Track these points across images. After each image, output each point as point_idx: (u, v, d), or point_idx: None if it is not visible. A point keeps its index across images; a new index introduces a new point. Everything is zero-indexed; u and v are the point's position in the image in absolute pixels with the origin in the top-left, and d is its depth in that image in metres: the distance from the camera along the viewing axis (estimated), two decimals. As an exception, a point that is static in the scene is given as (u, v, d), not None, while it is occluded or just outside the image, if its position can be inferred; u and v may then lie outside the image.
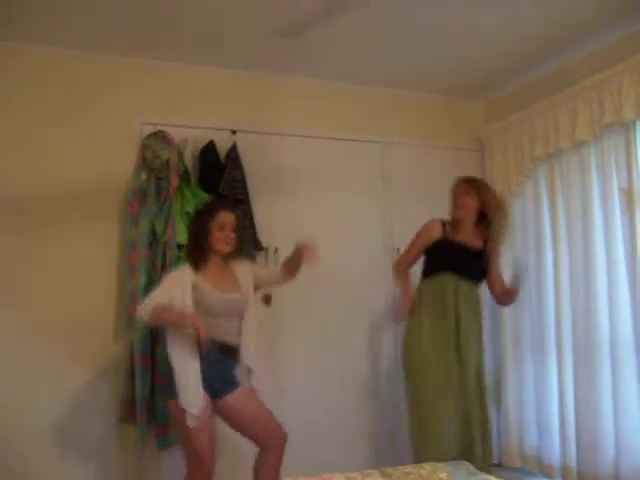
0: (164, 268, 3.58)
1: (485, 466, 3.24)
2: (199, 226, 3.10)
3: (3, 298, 3.50)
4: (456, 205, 3.58)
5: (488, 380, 3.54)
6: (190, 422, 2.84)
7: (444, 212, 4.49)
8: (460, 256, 3.53)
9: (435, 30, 3.67)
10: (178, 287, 2.94)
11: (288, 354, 4.07)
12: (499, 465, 4.36)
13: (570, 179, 3.97)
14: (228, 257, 3.16)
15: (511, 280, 3.55)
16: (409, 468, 2.51)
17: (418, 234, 3.64)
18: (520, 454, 4.28)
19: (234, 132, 4.01)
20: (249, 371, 3.12)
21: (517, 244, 4.42)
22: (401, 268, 3.68)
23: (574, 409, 3.82)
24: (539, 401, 4.18)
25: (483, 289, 3.64)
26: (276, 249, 4.02)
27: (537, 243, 4.24)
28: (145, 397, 3.51)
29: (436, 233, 3.58)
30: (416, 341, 3.48)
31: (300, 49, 3.88)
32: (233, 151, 3.94)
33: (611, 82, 3.60)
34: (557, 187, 4.08)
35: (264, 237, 3.95)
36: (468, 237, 3.55)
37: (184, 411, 2.85)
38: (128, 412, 3.56)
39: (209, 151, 3.90)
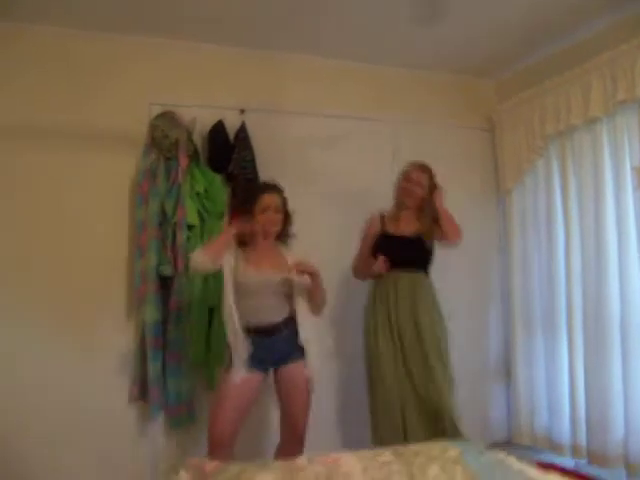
0: (174, 248, 3.59)
1: (496, 444, 3.26)
2: (243, 209, 3.17)
3: (15, 276, 3.52)
4: (408, 194, 3.61)
5: (443, 363, 3.48)
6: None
7: (454, 190, 4.50)
8: (397, 249, 3.56)
9: (446, 9, 3.60)
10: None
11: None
12: (509, 443, 4.39)
13: (582, 157, 3.93)
14: (279, 239, 3.22)
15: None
16: (419, 447, 2.52)
17: (362, 232, 3.74)
18: (530, 432, 4.30)
19: (243, 111, 3.98)
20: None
21: (528, 224, 4.40)
22: (360, 271, 3.73)
23: (584, 388, 3.82)
24: (549, 380, 4.18)
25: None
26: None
27: (548, 222, 4.21)
28: (157, 377, 3.54)
29: (375, 228, 3.67)
30: (368, 338, 3.58)
31: (310, 28, 3.84)
32: (242, 130, 3.92)
33: (624, 59, 3.55)
34: (569, 165, 4.04)
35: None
36: (406, 225, 3.61)
37: (227, 378, 3.00)
38: (140, 392, 3.59)
39: (218, 131, 3.89)
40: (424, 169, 3.63)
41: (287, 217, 3.25)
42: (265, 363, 3.09)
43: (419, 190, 3.59)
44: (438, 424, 3.34)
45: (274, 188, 3.23)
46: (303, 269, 3.07)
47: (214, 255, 3.00)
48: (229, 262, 3.06)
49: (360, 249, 3.73)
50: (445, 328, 3.57)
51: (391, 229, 3.63)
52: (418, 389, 3.40)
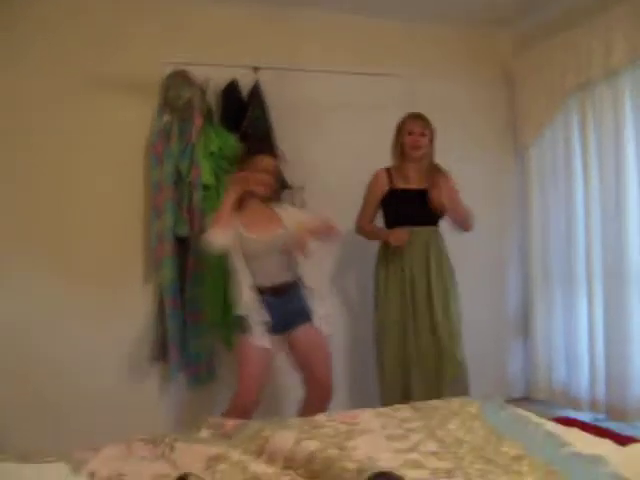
0: (190, 209, 3.59)
1: (514, 399, 3.27)
2: (239, 167, 3.15)
3: (31, 242, 3.54)
4: (415, 146, 3.50)
5: (455, 326, 3.48)
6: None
7: (471, 146, 4.42)
8: (410, 205, 3.51)
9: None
10: None
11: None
12: (527, 398, 4.41)
13: (603, 111, 3.84)
14: (269, 200, 3.19)
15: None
16: (438, 403, 2.54)
17: (368, 189, 3.63)
18: (548, 387, 4.31)
19: (256, 70, 3.92)
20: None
21: (547, 179, 4.34)
22: (363, 230, 3.65)
23: (603, 342, 3.82)
24: (568, 335, 4.17)
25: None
26: (302, 187, 3.99)
27: (567, 176, 4.15)
28: (176, 337, 3.58)
29: (384, 184, 3.56)
30: (378, 296, 3.58)
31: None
32: (256, 89, 3.87)
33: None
34: (589, 119, 3.95)
35: (290, 176, 3.91)
36: (415, 179, 3.52)
37: (243, 342, 3.02)
38: (159, 352, 3.63)
39: (231, 90, 3.84)
40: (423, 118, 3.54)
41: (279, 181, 3.26)
42: (279, 326, 3.09)
43: (424, 140, 3.50)
44: (440, 381, 3.37)
45: (266, 150, 3.25)
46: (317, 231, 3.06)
47: (226, 229, 2.98)
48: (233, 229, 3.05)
49: (364, 207, 3.64)
50: (455, 283, 3.56)
51: (400, 184, 3.54)
52: (422, 349, 3.43)
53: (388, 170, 3.59)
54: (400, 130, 3.57)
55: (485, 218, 4.35)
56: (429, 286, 3.46)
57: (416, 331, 3.45)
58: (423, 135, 3.50)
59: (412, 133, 3.51)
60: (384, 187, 3.56)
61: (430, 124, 3.54)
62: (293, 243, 3.05)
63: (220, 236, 2.96)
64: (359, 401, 3.74)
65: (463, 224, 3.57)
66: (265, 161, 3.13)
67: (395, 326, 3.48)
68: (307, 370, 3.20)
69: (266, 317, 3.03)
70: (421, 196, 3.47)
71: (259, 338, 3.01)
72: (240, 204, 3.10)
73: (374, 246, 3.65)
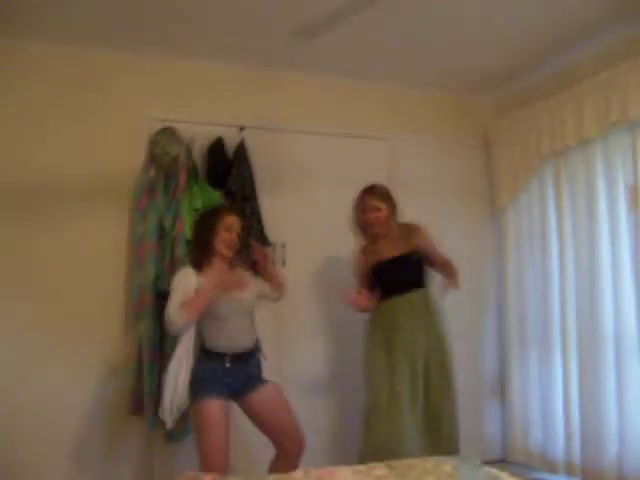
0: (173, 263, 3.61)
1: (491, 461, 3.25)
2: (204, 227, 3.11)
3: (14, 291, 3.54)
4: (371, 224, 3.44)
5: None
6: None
7: (450, 207, 4.52)
8: (393, 275, 3.44)
9: (444, 28, 3.68)
10: (189, 289, 2.96)
11: (295, 351, 4.13)
12: (503, 460, 4.40)
13: (576, 176, 3.99)
14: (233, 261, 3.16)
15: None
16: (413, 461, 2.54)
17: (356, 272, 3.56)
18: (524, 450, 4.31)
19: (242, 128, 4.03)
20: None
21: (523, 241, 4.44)
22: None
23: (579, 405, 3.85)
24: (544, 397, 4.20)
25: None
26: (283, 245, 4.06)
27: (543, 240, 4.25)
28: (153, 391, 3.54)
29: (366, 264, 3.49)
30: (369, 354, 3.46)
31: (308, 46, 3.89)
32: (241, 147, 3.96)
33: (618, 80, 3.61)
34: (563, 184, 4.09)
35: (272, 233, 3.97)
36: (392, 247, 3.45)
37: (201, 409, 2.92)
38: (137, 405, 3.60)
39: (217, 148, 3.93)
40: (372, 190, 3.48)
41: (244, 243, 3.23)
42: (236, 391, 3.03)
43: (379, 214, 3.43)
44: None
45: (235, 209, 3.30)
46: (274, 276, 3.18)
47: (192, 318, 2.94)
48: (189, 293, 2.96)
49: (359, 285, 3.52)
50: (449, 344, 3.49)
51: (378, 258, 3.45)
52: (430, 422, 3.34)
53: (361, 249, 3.55)
54: (356, 207, 3.51)
55: (462, 280, 4.42)
56: (438, 361, 3.39)
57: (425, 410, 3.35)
58: (379, 210, 3.43)
59: (366, 211, 3.46)
60: (367, 266, 3.49)
61: (386, 195, 3.48)
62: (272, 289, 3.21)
63: (185, 322, 2.92)
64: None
65: (452, 273, 3.48)
66: (231, 220, 3.10)
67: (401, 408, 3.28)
68: (274, 429, 3.13)
69: (223, 380, 2.98)
70: (405, 262, 3.42)
71: (215, 399, 2.93)
72: (206, 262, 3.06)
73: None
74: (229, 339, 3.02)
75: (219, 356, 2.99)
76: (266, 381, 3.14)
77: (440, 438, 3.34)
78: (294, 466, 3.02)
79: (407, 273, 3.46)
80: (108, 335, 3.71)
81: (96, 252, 3.73)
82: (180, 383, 2.98)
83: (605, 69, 3.70)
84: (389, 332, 3.39)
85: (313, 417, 3.88)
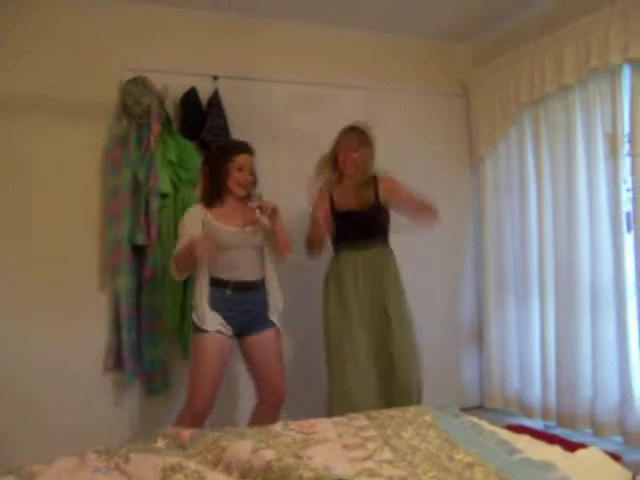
0: (147, 217, 3.56)
1: (468, 408, 3.30)
2: (217, 167, 3.13)
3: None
4: (344, 164, 3.42)
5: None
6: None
7: (428, 157, 4.48)
8: (351, 226, 3.41)
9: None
10: (192, 228, 3.02)
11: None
12: (481, 407, 4.48)
13: (555, 124, 3.96)
14: (246, 199, 3.16)
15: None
16: (394, 412, 2.56)
17: (312, 205, 3.49)
18: (502, 396, 4.39)
19: (216, 78, 3.93)
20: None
21: (501, 190, 4.44)
22: (314, 241, 3.46)
23: (555, 351, 3.91)
24: (521, 344, 4.26)
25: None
26: (260, 196, 3.99)
27: (521, 188, 4.25)
28: (132, 345, 3.54)
29: (328, 200, 3.45)
30: (325, 313, 3.47)
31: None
32: (215, 97, 3.87)
33: (598, 26, 3.55)
34: (542, 132, 4.06)
35: (248, 185, 3.92)
36: (353, 196, 3.42)
37: (199, 342, 3.00)
38: (115, 360, 3.59)
39: (191, 98, 3.83)
40: (354, 130, 3.45)
41: (255, 179, 3.24)
42: (236, 328, 3.08)
43: (355, 156, 3.41)
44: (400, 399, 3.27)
45: (249, 149, 3.21)
46: (261, 205, 3.07)
47: (182, 276, 3.10)
48: (197, 227, 3.03)
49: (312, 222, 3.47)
50: (406, 300, 3.49)
51: (341, 204, 3.44)
52: (382, 370, 3.37)
53: (326, 186, 3.50)
54: (336, 142, 3.48)
55: (440, 229, 4.40)
56: (385, 312, 3.38)
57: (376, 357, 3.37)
58: (356, 151, 3.41)
59: (343, 149, 3.44)
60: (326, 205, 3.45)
61: (367, 139, 3.45)
62: (274, 242, 3.13)
63: (178, 277, 3.09)
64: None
65: (424, 214, 3.47)
66: (242, 159, 3.12)
67: (352, 358, 3.33)
68: (261, 376, 3.19)
69: (225, 313, 3.02)
70: (363, 217, 3.41)
71: (216, 334, 2.99)
72: (218, 200, 3.11)
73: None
74: (230, 268, 3.05)
75: (221, 283, 3.04)
76: (269, 325, 3.16)
77: (397, 389, 3.35)
78: (274, 418, 3.04)
79: (360, 228, 3.43)
80: (83, 290, 3.65)
81: (69, 207, 3.65)
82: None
83: (585, 14, 3.63)
84: (341, 286, 3.42)
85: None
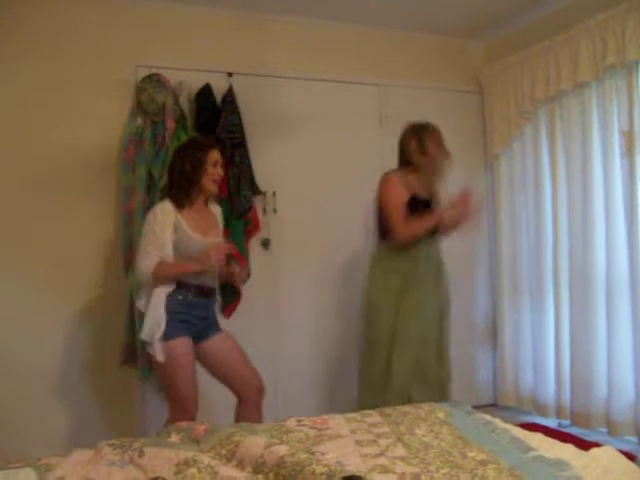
0: (162, 213, 3.56)
1: (482, 406, 3.30)
2: (190, 163, 2.89)
3: (5, 241, 3.50)
4: (436, 153, 3.37)
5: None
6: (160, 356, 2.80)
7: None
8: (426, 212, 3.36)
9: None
10: (165, 228, 2.85)
11: (286, 297, 4.11)
12: (494, 405, 4.47)
13: (570, 121, 3.93)
14: (210, 198, 3.07)
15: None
16: (407, 408, 2.56)
17: (392, 195, 3.33)
18: (515, 394, 4.38)
19: (230, 75, 3.93)
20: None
21: (516, 188, 4.42)
22: (409, 229, 3.30)
23: (569, 349, 3.89)
24: (535, 341, 4.24)
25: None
26: (274, 193, 4.01)
27: (536, 185, 4.23)
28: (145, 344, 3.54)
29: (404, 190, 3.34)
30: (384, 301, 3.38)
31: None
32: (229, 94, 3.88)
33: (614, 22, 3.52)
34: (557, 129, 4.04)
35: (261, 181, 3.93)
36: (424, 188, 3.42)
37: (170, 349, 2.82)
38: (130, 356, 3.61)
39: (205, 94, 3.84)
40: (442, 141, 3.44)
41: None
42: (193, 331, 2.93)
43: (432, 163, 3.39)
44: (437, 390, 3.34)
45: (216, 144, 3.11)
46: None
47: (162, 279, 2.86)
48: (170, 230, 2.86)
49: (397, 211, 3.30)
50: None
51: (419, 191, 3.38)
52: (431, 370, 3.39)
53: (398, 175, 3.41)
54: (433, 138, 3.41)
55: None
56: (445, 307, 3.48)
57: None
58: (442, 144, 3.44)
59: (439, 145, 3.40)
60: (405, 192, 3.34)
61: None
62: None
63: (151, 281, 2.85)
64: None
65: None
66: (216, 154, 2.95)
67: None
68: (231, 373, 3.05)
69: (184, 317, 2.88)
70: (432, 207, 3.41)
71: (183, 339, 2.86)
72: (188, 200, 2.93)
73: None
74: (199, 276, 2.90)
75: (186, 287, 2.88)
76: (221, 329, 3.09)
77: (439, 378, 3.41)
78: (257, 413, 3.01)
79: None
80: (100, 288, 3.69)
81: (84, 206, 3.66)
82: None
83: (601, 10, 3.60)
84: (412, 275, 3.35)
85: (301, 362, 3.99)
